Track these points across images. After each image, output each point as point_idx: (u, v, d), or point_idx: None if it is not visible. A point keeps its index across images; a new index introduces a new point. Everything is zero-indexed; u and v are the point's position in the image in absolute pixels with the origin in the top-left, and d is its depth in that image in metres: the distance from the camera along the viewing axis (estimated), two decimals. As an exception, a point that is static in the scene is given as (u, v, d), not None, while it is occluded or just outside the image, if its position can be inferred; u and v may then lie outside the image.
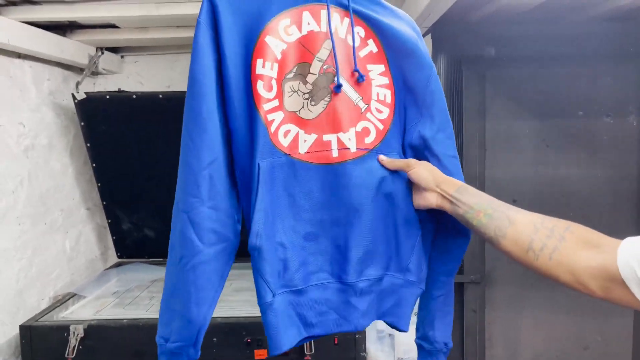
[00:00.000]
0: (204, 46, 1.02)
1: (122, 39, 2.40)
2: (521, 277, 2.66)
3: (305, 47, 1.07)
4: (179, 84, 2.71)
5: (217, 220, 1.03)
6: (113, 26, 2.31)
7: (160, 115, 2.37)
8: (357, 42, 1.10)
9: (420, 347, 1.21)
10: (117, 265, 2.74)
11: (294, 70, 1.07)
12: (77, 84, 2.43)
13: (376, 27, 1.11)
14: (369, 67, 1.11)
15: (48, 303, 2.29)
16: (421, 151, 1.14)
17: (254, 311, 2.01)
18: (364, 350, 1.95)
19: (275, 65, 1.05)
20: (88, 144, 2.42)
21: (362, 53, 1.11)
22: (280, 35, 1.05)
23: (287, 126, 1.06)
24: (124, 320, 1.96)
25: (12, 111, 2.12)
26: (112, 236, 2.69)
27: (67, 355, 1.87)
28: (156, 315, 2.00)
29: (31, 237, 2.23)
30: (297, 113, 1.07)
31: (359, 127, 1.09)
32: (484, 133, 2.53)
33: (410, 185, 1.12)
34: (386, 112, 1.12)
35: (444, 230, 1.17)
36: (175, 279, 1.05)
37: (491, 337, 2.69)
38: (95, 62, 2.50)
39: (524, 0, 1.92)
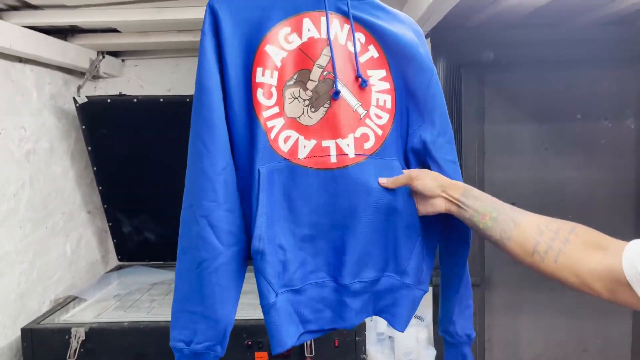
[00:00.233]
0: (210, 55, 1.05)
1: (123, 43, 2.41)
2: (520, 280, 2.67)
3: (306, 53, 1.09)
4: (180, 88, 2.73)
5: (233, 222, 1.07)
6: (114, 30, 2.32)
7: (161, 119, 2.39)
8: (358, 48, 1.11)
9: (445, 341, 1.25)
10: (118, 268, 2.74)
11: (295, 77, 1.09)
12: (79, 88, 2.45)
13: (376, 32, 1.13)
14: (370, 72, 1.13)
15: (49, 306, 2.29)
16: (422, 155, 1.15)
17: (254, 314, 2.01)
18: (364, 352, 1.96)
19: (275, 73, 1.07)
20: (89, 148, 2.43)
21: (362, 59, 1.12)
22: (281, 43, 1.07)
23: (287, 132, 1.08)
24: (125, 323, 1.97)
25: (13, 115, 2.13)
26: (113, 239, 2.69)
27: (69, 358, 1.87)
28: (157, 318, 2.03)
29: (32, 241, 2.24)
30: (298, 119, 1.09)
31: (357, 133, 1.11)
32: (483, 136, 2.55)
33: (409, 190, 1.13)
34: (385, 118, 1.13)
35: (446, 234, 1.19)
36: (195, 283, 1.07)
37: (491, 339, 2.71)
38: (96, 66, 2.51)
39: (522, 5, 1.94)
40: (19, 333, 1.94)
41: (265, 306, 1.06)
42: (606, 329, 2.73)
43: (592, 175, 2.70)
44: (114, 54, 2.69)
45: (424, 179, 1.09)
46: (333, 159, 1.09)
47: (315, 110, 1.09)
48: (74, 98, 2.31)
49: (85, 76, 2.49)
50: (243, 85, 1.06)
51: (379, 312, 1.18)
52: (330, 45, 1.09)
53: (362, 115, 1.11)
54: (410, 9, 1.91)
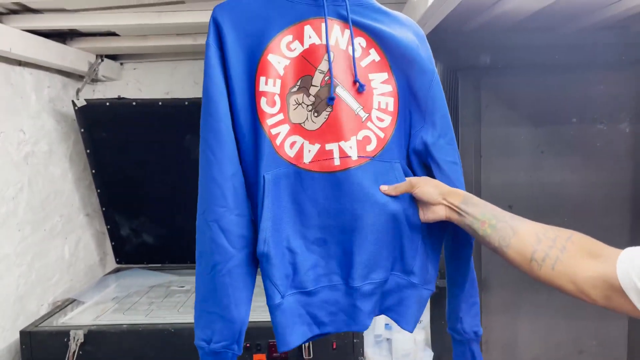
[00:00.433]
0: (215, 66, 1.08)
1: (122, 46, 2.42)
2: (517, 282, 2.69)
3: (308, 60, 1.11)
4: (178, 91, 2.74)
5: (244, 226, 1.10)
6: (113, 34, 2.33)
7: (159, 122, 2.40)
8: (359, 53, 1.13)
9: (452, 338, 1.26)
10: (116, 271, 2.74)
11: (298, 83, 1.11)
12: (78, 91, 2.45)
13: (377, 36, 1.14)
14: (371, 76, 1.14)
15: (47, 309, 2.30)
16: (424, 157, 1.17)
17: (253, 316, 2.01)
18: (362, 354, 1.97)
19: (278, 82, 1.09)
20: (88, 151, 2.44)
21: (364, 63, 1.14)
22: (283, 52, 1.10)
23: (293, 138, 1.11)
24: (124, 326, 1.97)
25: (12, 118, 2.14)
26: (111, 242, 2.70)
27: (68, 360, 1.88)
28: (156, 321, 2.04)
29: (31, 243, 2.24)
30: (302, 125, 1.11)
31: (360, 136, 1.12)
32: (479, 140, 2.57)
33: (410, 195, 1.14)
34: (388, 120, 1.15)
35: (451, 238, 1.20)
36: (211, 285, 1.10)
37: (488, 341, 2.72)
38: (95, 69, 2.52)
39: (518, 10, 1.96)
40: (17, 335, 1.95)
41: (271, 307, 1.10)
42: (602, 330, 2.75)
43: (587, 178, 2.72)
44: (113, 57, 2.71)
45: (425, 186, 1.10)
46: (336, 162, 1.10)
47: (318, 115, 1.11)
48: (72, 101, 2.32)
49: (84, 79, 2.50)
50: (247, 95, 1.09)
51: (385, 311, 1.19)
52: (328, 51, 1.10)
53: (364, 119, 1.13)
54: (407, 13, 1.93)
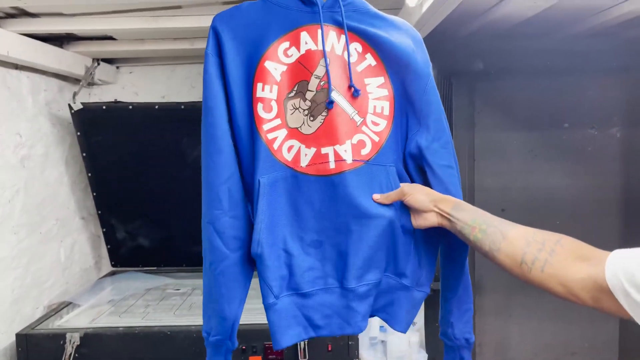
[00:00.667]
0: (213, 75, 1.12)
1: (119, 50, 2.43)
2: (510, 285, 2.72)
3: (304, 65, 1.13)
4: (175, 95, 2.75)
5: (239, 228, 1.15)
6: (110, 38, 2.34)
7: (156, 126, 2.41)
8: (355, 58, 1.15)
9: (444, 344, 1.27)
10: (112, 274, 2.75)
11: (295, 88, 1.13)
12: (74, 94, 2.46)
13: (373, 41, 1.16)
14: (367, 80, 1.16)
15: (43, 312, 2.30)
16: (419, 160, 1.19)
17: (249, 319, 2.03)
18: (357, 356, 1.98)
19: (275, 88, 1.12)
20: (84, 154, 2.45)
21: (359, 67, 1.16)
22: (280, 58, 1.13)
23: (290, 142, 1.13)
24: (120, 329, 1.98)
25: (9, 121, 2.14)
26: (107, 245, 2.70)
27: (64, 363, 1.89)
28: (152, 323, 2.05)
29: (27, 246, 2.25)
30: (299, 129, 1.14)
31: (354, 140, 1.14)
32: (473, 144, 2.60)
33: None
34: (383, 124, 1.16)
35: (445, 242, 1.22)
36: (209, 283, 1.17)
37: (481, 343, 2.74)
38: (91, 73, 2.52)
39: (511, 16, 1.99)
40: (13, 338, 1.95)
41: (265, 306, 1.13)
42: (594, 332, 2.78)
43: (579, 182, 2.75)
44: (109, 60, 2.71)
45: (416, 194, 1.12)
46: (332, 165, 1.13)
47: (314, 119, 1.13)
48: (69, 105, 2.32)
49: (81, 83, 2.51)
50: (245, 101, 1.13)
51: (375, 312, 1.21)
52: (325, 56, 1.13)
53: (358, 123, 1.15)
54: (402, 18, 1.95)
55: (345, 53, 1.14)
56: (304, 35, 1.13)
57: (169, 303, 2.30)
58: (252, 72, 1.12)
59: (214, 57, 1.12)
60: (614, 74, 2.64)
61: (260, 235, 1.11)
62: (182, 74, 2.79)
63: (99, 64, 2.58)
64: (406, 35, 1.20)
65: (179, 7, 1.91)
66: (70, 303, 2.29)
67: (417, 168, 1.20)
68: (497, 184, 2.64)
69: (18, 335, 1.93)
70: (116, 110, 2.37)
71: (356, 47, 1.16)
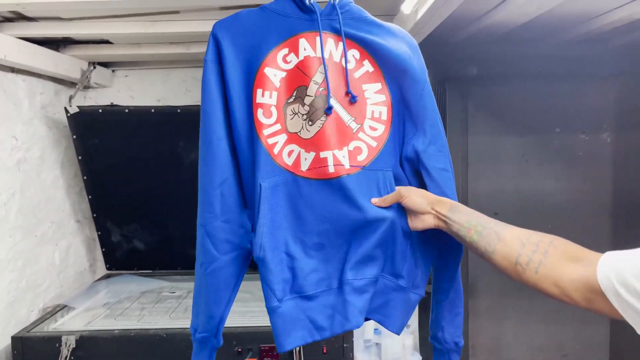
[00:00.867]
0: (212, 82, 1.15)
1: (115, 54, 2.43)
2: (503, 288, 2.74)
3: (303, 71, 1.15)
4: (170, 99, 2.76)
5: (231, 232, 1.17)
6: (106, 41, 2.35)
7: (152, 129, 2.42)
8: (352, 64, 1.17)
9: (433, 347, 1.29)
10: (106, 277, 2.74)
11: (294, 94, 1.16)
12: (70, 98, 2.47)
13: (370, 47, 1.18)
14: (365, 86, 1.18)
15: (38, 315, 2.30)
16: (416, 163, 1.21)
17: (244, 321, 2.05)
18: (352, 358, 2.00)
19: (275, 94, 1.15)
20: (79, 157, 2.45)
21: (357, 74, 1.18)
22: (279, 64, 1.15)
23: (290, 146, 1.16)
24: (116, 331, 1.98)
25: (5, 124, 2.14)
26: (102, 248, 2.70)
27: (59, 365, 1.89)
28: (147, 326, 2.06)
29: (22, 249, 2.25)
30: (298, 133, 1.16)
31: (351, 147, 1.17)
32: (466, 148, 2.63)
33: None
34: (381, 129, 1.19)
35: (440, 244, 1.23)
36: (199, 282, 1.20)
37: (475, 345, 2.77)
38: (87, 76, 2.53)
39: (504, 23, 2.02)
40: (9, 341, 1.95)
41: (268, 310, 1.15)
42: (585, 334, 2.82)
43: (570, 186, 2.79)
44: (105, 64, 2.72)
45: (413, 196, 1.14)
46: (331, 169, 1.15)
47: (313, 124, 1.15)
48: (65, 108, 2.32)
49: (77, 86, 2.51)
50: (245, 107, 1.15)
51: (370, 313, 1.21)
52: (324, 63, 1.15)
53: (355, 130, 1.17)
54: (397, 25, 1.98)
55: (343, 60, 1.17)
56: (303, 42, 1.15)
57: (164, 306, 2.31)
58: (251, 78, 1.14)
59: (213, 64, 1.15)
60: (605, 80, 2.68)
61: (262, 239, 1.12)
62: (178, 78, 2.81)
63: (94, 68, 2.59)
64: (402, 42, 1.22)
65: (176, 12, 1.93)
66: (66, 306, 2.29)
67: (413, 171, 1.22)
68: (490, 188, 2.67)
69: (14, 338, 1.93)
70: (112, 114, 2.38)
71: (354, 53, 1.18)
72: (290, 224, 1.16)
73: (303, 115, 1.16)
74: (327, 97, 1.15)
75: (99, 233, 2.65)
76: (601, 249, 0.93)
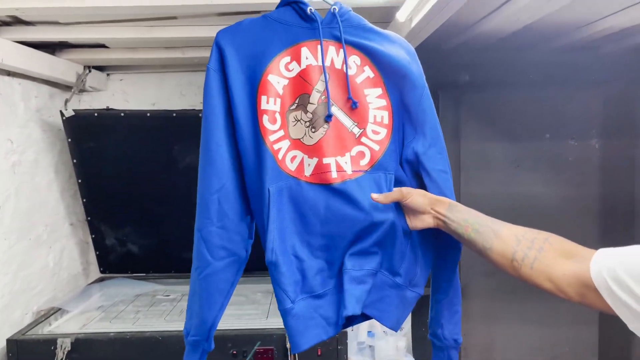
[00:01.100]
0: (214, 89, 1.17)
1: (111, 58, 2.44)
2: (495, 291, 2.78)
3: (305, 79, 1.18)
4: (165, 102, 2.77)
5: (226, 238, 1.19)
6: (102, 46, 2.36)
7: (147, 133, 2.43)
8: (354, 71, 1.21)
9: (432, 344, 1.31)
10: (100, 280, 2.74)
11: (296, 101, 1.19)
12: (66, 101, 2.47)
13: (370, 54, 1.21)
14: (366, 91, 1.22)
15: (32, 318, 2.29)
16: (415, 165, 1.24)
17: (239, 324, 2.07)
18: (346, 360, 2.02)
19: (278, 100, 1.17)
20: (74, 161, 2.45)
21: (359, 79, 1.21)
22: (281, 72, 1.18)
23: (293, 152, 1.19)
24: (111, 334, 1.99)
25: (1, 128, 2.15)
26: (96, 251, 2.70)
27: (55, 368, 1.89)
28: (143, 329, 2.06)
29: (16, 252, 2.25)
30: (301, 140, 1.19)
31: (353, 152, 1.20)
32: (459, 154, 2.67)
33: (398, 203, 1.21)
34: (383, 133, 1.22)
35: (439, 244, 1.27)
36: (194, 285, 1.23)
37: (467, 347, 2.80)
38: (83, 80, 2.54)
39: (496, 30, 2.06)
40: (4, 344, 1.94)
41: (282, 312, 1.18)
42: (575, 337, 2.86)
43: (559, 190, 2.84)
44: (99, 68, 2.72)
45: (414, 196, 1.17)
46: (334, 174, 1.18)
47: (316, 131, 1.19)
48: (60, 111, 2.33)
49: (73, 90, 2.52)
50: (250, 113, 1.17)
51: (366, 307, 1.23)
52: (324, 72, 1.18)
53: (357, 135, 1.21)
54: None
55: (345, 66, 1.19)
56: (305, 51, 1.18)
57: (159, 309, 2.32)
58: (255, 85, 1.17)
59: (216, 73, 1.17)
60: (593, 87, 2.74)
61: (274, 244, 1.15)
62: (172, 82, 2.82)
63: (90, 71, 2.60)
64: (401, 48, 1.25)
65: (174, 17, 1.95)
66: (60, 309, 2.29)
67: (413, 173, 1.25)
68: (482, 192, 2.71)
69: (9, 341, 1.93)
70: (108, 117, 2.39)
71: (355, 59, 1.21)
72: (296, 227, 1.19)
73: (306, 122, 1.19)
74: (328, 105, 1.18)
75: (93, 236, 2.65)
76: (589, 251, 0.95)
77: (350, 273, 1.19)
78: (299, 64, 1.18)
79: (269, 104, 1.17)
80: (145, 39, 2.12)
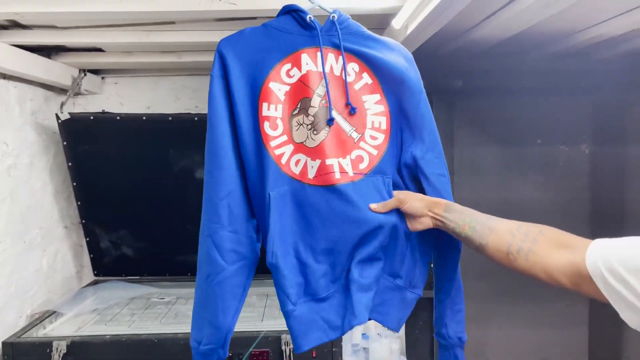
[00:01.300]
0: (218, 96, 1.19)
1: (106, 62, 2.45)
2: (487, 294, 2.82)
3: (306, 84, 1.21)
4: (160, 106, 2.78)
5: (237, 242, 1.20)
6: (98, 49, 2.37)
7: (143, 137, 2.44)
8: (352, 77, 1.23)
9: (438, 342, 1.34)
10: (94, 283, 2.74)
11: (298, 105, 1.21)
12: (62, 104, 2.47)
13: (369, 61, 1.24)
14: (365, 97, 1.24)
15: (26, 321, 2.29)
16: (414, 170, 1.27)
17: (236, 327, 2.08)
18: (341, 363, 2.04)
19: (280, 107, 1.20)
20: (69, 164, 2.45)
21: (357, 86, 1.24)
22: (283, 79, 1.20)
23: (297, 156, 1.21)
24: (107, 337, 1.99)
25: (-4, 131, 2.15)
26: (90, 254, 2.69)
27: (50, 371, 1.89)
28: (139, 331, 2.06)
29: (11, 255, 2.24)
30: (304, 143, 1.21)
31: (353, 155, 1.23)
32: (452, 159, 2.70)
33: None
34: (381, 138, 1.25)
35: (439, 245, 1.30)
36: (204, 293, 1.21)
37: (458, 350, 2.83)
38: (78, 83, 2.54)
39: (488, 37, 2.09)
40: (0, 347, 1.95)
41: (284, 313, 1.19)
42: (565, 338, 2.90)
43: (549, 195, 2.88)
44: (94, 71, 2.73)
45: (412, 201, 1.21)
46: (337, 175, 1.20)
47: (317, 133, 1.21)
48: (56, 114, 2.33)
49: (68, 93, 2.52)
50: (251, 119, 1.19)
51: (369, 312, 1.25)
52: (325, 78, 1.21)
53: (356, 139, 1.23)
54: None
55: (343, 73, 1.22)
56: (305, 57, 1.21)
57: (154, 312, 2.32)
58: (257, 92, 1.19)
59: (219, 79, 1.19)
60: (583, 94, 2.78)
61: (274, 247, 1.17)
62: (167, 86, 2.83)
63: (85, 75, 2.60)
64: (399, 55, 1.28)
65: (172, 22, 1.96)
66: (54, 312, 2.29)
67: (411, 177, 1.28)
68: (474, 197, 2.74)
69: (4, 344, 1.93)
70: (103, 121, 2.39)
71: (353, 67, 1.24)
72: (299, 230, 1.21)
73: (308, 125, 1.21)
74: (329, 109, 1.20)
75: (87, 239, 2.65)
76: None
77: (358, 282, 1.21)
78: (300, 69, 1.21)
79: (270, 111, 1.19)
80: (142, 44, 2.13)
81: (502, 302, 2.83)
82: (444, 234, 1.22)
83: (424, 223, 1.21)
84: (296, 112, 1.21)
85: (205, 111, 1.22)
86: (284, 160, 1.20)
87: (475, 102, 2.75)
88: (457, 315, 1.31)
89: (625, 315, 0.88)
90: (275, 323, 2.11)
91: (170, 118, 2.41)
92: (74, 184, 2.50)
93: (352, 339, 2.33)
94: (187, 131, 2.40)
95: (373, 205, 1.21)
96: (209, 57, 2.32)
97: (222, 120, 1.19)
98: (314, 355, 2.02)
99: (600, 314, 2.85)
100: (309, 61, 1.21)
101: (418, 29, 1.71)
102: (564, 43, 2.22)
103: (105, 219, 2.61)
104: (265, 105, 1.19)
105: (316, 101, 1.21)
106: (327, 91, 1.20)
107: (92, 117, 2.38)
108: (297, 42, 1.21)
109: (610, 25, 1.93)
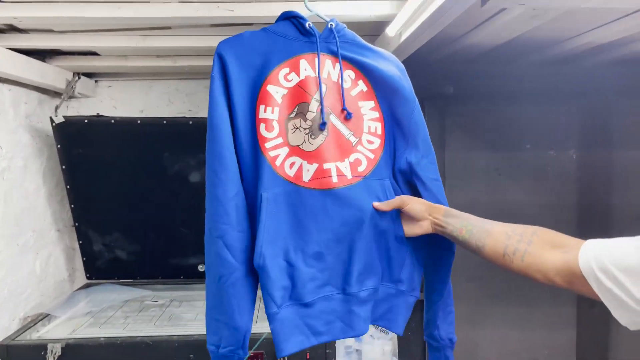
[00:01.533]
0: (219, 97, 1.20)
1: (101, 65, 2.46)
2: (477, 296, 2.86)
3: (304, 89, 1.24)
4: (153, 110, 2.79)
5: (245, 241, 1.20)
6: (93, 53, 2.38)
7: (137, 140, 2.45)
8: (349, 84, 1.27)
9: (429, 344, 1.36)
10: (86, 286, 2.74)
11: (295, 109, 1.23)
12: (56, 108, 2.48)
13: (364, 69, 1.28)
14: (360, 103, 1.28)
15: (19, 324, 2.29)
16: (409, 175, 1.30)
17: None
18: (334, 364, 2.06)
19: (277, 109, 1.22)
20: (63, 167, 2.46)
21: (353, 92, 1.27)
22: (281, 82, 1.22)
23: (292, 159, 1.22)
24: (101, 339, 2.00)
25: (-9, 134, 2.16)
26: (83, 257, 2.69)
27: (46, 373, 1.90)
28: (133, 334, 2.07)
29: (4, 258, 2.24)
30: (300, 146, 1.23)
31: (351, 158, 1.25)
32: (443, 163, 2.74)
33: (396, 211, 1.27)
34: (377, 143, 1.28)
35: (432, 248, 1.33)
36: (217, 295, 1.20)
37: (449, 352, 2.86)
38: (72, 86, 2.55)
39: (480, 44, 2.13)
40: (-6, 349, 1.95)
41: (268, 315, 1.20)
42: (553, 340, 2.95)
43: (538, 199, 2.93)
44: (88, 74, 2.73)
45: (414, 204, 1.24)
46: (334, 179, 1.23)
47: (315, 137, 1.23)
48: (50, 117, 2.34)
49: (62, 97, 2.53)
50: (248, 121, 1.21)
51: (375, 321, 1.29)
52: (320, 83, 1.24)
53: (354, 143, 1.26)
54: (380, 46, 2.07)
55: (340, 79, 1.25)
56: (303, 63, 1.24)
57: (148, 314, 2.33)
58: (255, 94, 1.21)
59: (219, 80, 1.20)
60: (572, 100, 2.84)
61: (262, 248, 1.17)
62: (161, 89, 2.84)
63: (79, 78, 2.61)
64: (392, 65, 1.32)
65: (168, 27, 1.98)
66: (48, 315, 2.29)
67: (406, 182, 1.31)
68: (465, 201, 2.75)
69: (-1, 346, 1.94)
70: (98, 124, 2.41)
71: (349, 74, 1.27)
72: (290, 233, 1.21)
73: (305, 129, 1.23)
74: (322, 113, 1.23)
75: (80, 242, 2.65)
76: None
77: (357, 295, 1.23)
78: (298, 74, 1.24)
79: (267, 113, 1.21)
80: (138, 48, 2.14)
81: (492, 304, 2.87)
82: (438, 237, 1.25)
83: (423, 227, 1.24)
84: (293, 115, 1.23)
85: (200, 115, 1.24)
86: (278, 162, 1.21)
87: (466, 108, 2.79)
88: (449, 316, 1.34)
89: (616, 313, 0.91)
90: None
91: (165, 122, 2.42)
92: (68, 187, 2.51)
93: (345, 341, 2.35)
94: (182, 135, 2.41)
95: (376, 204, 1.23)
96: (205, 62, 2.36)
97: (225, 120, 1.20)
98: (307, 357, 2.04)
99: (588, 316, 2.90)
100: (307, 67, 1.24)
101: (411, 37, 1.75)
102: (552, 50, 2.27)
103: (99, 222, 2.61)
104: (262, 107, 1.21)
105: (314, 106, 1.24)
106: (321, 96, 1.23)
107: (86, 121, 2.39)
108: (296, 48, 1.24)
109: (597, 33, 1.98)
